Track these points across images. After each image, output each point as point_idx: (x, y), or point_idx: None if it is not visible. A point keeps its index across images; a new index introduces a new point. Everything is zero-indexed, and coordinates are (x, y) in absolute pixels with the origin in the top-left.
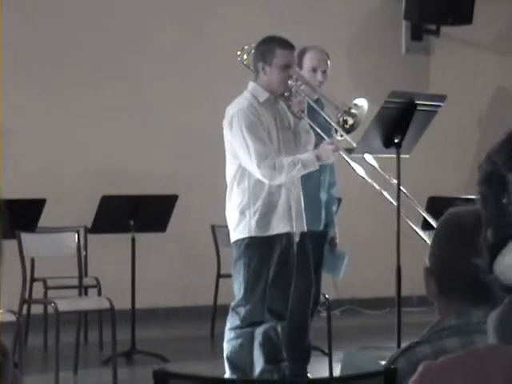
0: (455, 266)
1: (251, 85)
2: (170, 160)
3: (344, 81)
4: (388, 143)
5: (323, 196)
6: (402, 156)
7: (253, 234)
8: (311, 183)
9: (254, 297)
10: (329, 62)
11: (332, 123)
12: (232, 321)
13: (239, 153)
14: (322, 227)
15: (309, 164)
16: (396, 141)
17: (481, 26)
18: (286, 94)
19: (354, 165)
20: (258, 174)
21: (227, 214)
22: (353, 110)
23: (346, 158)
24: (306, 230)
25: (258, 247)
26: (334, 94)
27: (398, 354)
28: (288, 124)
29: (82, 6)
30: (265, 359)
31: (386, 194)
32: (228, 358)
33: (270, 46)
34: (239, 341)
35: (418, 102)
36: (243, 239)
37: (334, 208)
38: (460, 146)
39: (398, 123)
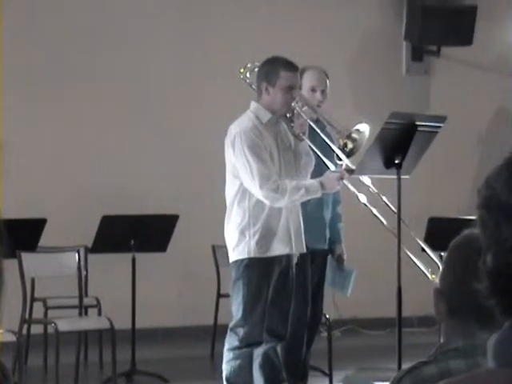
0: (465, 289)
1: (253, 105)
2: (171, 180)
3: (344, 101)
4: (388, 164)
5: (327, 215)
6: (402, 177)
7: (252, 255)
8: (313, 202)
9: (252, 317)
10: (328, 82)
11: (332, 146)
12: (230, 341)
13: (241, 174)
14: (326, 246)
15: (312, 191)
16: (396, 161)
17: (481, 47)
18: (288, 115)
19: (358, 194)
20: (260, 195)
21: (226, 233)
22: (354, 135)
23: (350, 187)
24: (305, 251)
25: (258, 268)
26: (335, 116)
27: (403, 374)
28: (289, 144)
29: (84, 20)
30: (265, 380)
31: (385, 223)
32: (227, 379)
33: (274, 66)
34: (238, 361)
35: (418, 122)
36: (242, 260)
37: (341, 225)
38: (460, 166)
39: (398, 144)
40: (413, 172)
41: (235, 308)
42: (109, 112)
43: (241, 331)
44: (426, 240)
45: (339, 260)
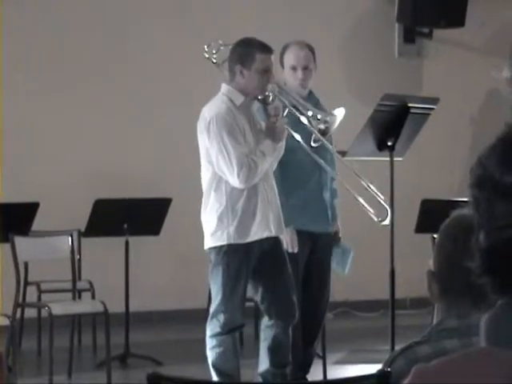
0: (456, 268)
1: (225, 87)
2: (164, 163)
3: (337, 83)
4: (381, 146)
5: (326, 196)
6: (395, 159)
7: (232, 241)
8: (312, 186)
9: (232, 302)
10: (313, 56)
11: (308, 126)
12: (212, 327)
13: (216, 159)
14: (329, 229)
15: (271, 150)
16: (389, 144)
17: (473, 29)
18: (260, 97)
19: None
20: (236, 182)
21: (203, 219)
22: (325, 117)
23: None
24: (283, 233)
25: (237, 254)
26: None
27: (397, 353)
28: (260, 126)
29: (81, 16)
30: (271, 362)
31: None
32: (214, 366)
33: (249, 49)
34: (221, 348)
35: (410, 104)
36: (222, 246)
37: (336, 201)
38: (453, 148)
39: (391, 126)
40: (406, 154)
41: (214, 293)
42: (101, 98)
43: (222, 317)
44: (419, 222)
45: (335, 238)
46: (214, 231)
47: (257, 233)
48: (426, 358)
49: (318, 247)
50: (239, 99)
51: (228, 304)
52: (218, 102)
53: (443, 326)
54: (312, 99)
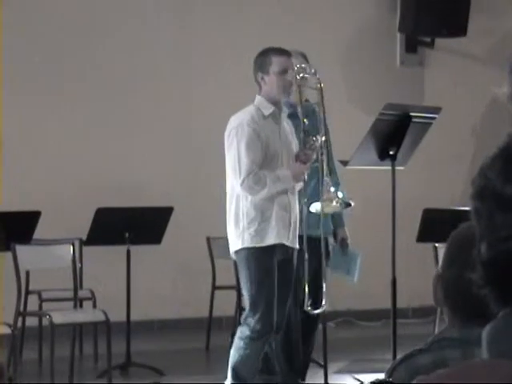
0: (462, 279)
1: (257, 98)
2: (166, 172)
3: (339, 93)
4: (383, 155)
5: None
6: (397, 168)
7: (246, 245)
8: (309, 192)
9: (260, 307)
10: (307, 65)
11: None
12: (243, 329)
13: (228, 162)
14: (319, 232)
15: (286, 182)
16: (391, 153)
17: (475, 38)
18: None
19: None
20: (238, 187)
21: (228, 225)
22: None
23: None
24: (297, 246)
25: (257, 257)
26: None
27: (398, 362)
28: (290, 139)
29: (80, 26)
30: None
31: None
32: (234, 367)
33: (265, 55)
34: (247, 351)
35: (412, 114)
36: (241, 250)
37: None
38: (455, 157)
39: (392, 135)
40: (407, 163)
41: (245, 298)
42: (104, 106)
43: (252, 322)
44: (421, 231)
45: (342, 244)
46: (233, 236)
47: (271, 237)
48: (426, 367)
49: (312, 251)
50: (268, 109)
51: (257, 308)
52: (245, 112)
53: (445, 335)
54: (308, 107)
